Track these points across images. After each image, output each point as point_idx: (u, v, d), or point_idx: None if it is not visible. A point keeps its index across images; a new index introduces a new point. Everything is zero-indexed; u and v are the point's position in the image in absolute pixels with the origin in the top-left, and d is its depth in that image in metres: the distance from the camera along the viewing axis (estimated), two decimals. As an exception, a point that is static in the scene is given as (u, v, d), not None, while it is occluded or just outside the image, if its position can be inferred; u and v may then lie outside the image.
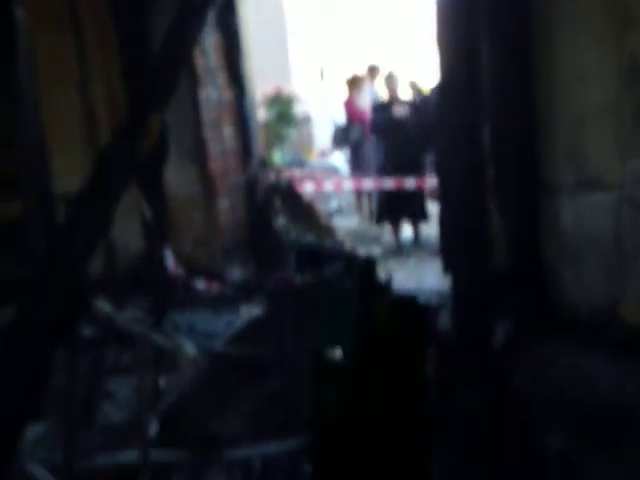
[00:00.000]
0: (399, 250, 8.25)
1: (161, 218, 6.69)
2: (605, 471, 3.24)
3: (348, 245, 6.81)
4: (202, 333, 4.99)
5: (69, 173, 2.28)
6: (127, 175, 2.16)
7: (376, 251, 7.82)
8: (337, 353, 3.07)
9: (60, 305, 1.96)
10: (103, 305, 2.14)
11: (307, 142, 13.03)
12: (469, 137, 4.18)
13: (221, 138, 7.18)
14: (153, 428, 2.96)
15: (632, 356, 4.19)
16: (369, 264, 3.32)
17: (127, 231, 6.85)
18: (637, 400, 3.78)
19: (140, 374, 2.14)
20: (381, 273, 3.78)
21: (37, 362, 1.98)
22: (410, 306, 3.51)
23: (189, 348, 2.24)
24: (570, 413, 3.70)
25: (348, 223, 9.97)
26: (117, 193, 2.12)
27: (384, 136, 8.30)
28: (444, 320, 4.29)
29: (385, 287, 3.38)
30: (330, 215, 9.45)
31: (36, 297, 1.97)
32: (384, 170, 8.19)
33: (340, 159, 11.64)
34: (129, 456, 2.70)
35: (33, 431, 3.59)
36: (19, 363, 1.96)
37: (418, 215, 8.30)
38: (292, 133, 10.88)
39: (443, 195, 4.35)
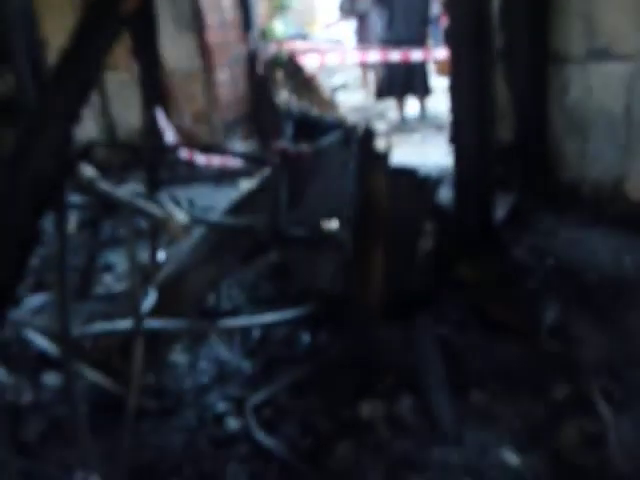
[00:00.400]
0: (404, 125, 8.09)
1: (158, 87, 6.54)
2: (600, 339, 3.28)
3: (350, 120, 6.66)
4: (201, 207, 4.97)
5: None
6: (111, 32, 2.05)
7: (381, 127, 7.67)
8: (335, 224, 3.04)
9: (45, 167, 1.90)
10: (87, 170, 2.09)
11: (310, 14, 12.56)
12: (477, 5, 3.96)
13: (219, 8, 6.89)
14: (150, 299, 2.97)
15: (632, 231, 4.18)
16: (368, 135, 3.22)
17: (127, 106, 6.74)
18: (635, 272, 3.79)
19: (129, 242, 2.10)
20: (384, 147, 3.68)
21: (23, 226, 1.95)
22: (409, 178, 3.45)
23: (180, 216, 2.19)
24: (568, 284, 3.71)
25: (353, 99, 9.74)
26: (101, 50, 2.01)
27: (387, 7, 7.94)
28: (446, 194, 4.23)
29: (384, 158, 3.30)
30: (334, 90, 9.20)
31: (20, 159, 1.91)
32: (387, 43, 7.88)
33: (345, 32, 11.24)
34: (125, 325, 2.73)
35: (33, 301, 3.65)
36: (4, 227, 1.93)
37: (421, 89, 8.07)
38: (294, 2, 10.44)
39: (453, 67, 4.19)
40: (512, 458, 2.65)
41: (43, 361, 3.19)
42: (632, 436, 2.79)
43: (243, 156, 5.61)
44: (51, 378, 3.15)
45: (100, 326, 2.90)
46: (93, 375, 2.94)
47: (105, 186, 2.14)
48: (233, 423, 2.93)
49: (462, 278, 3.62)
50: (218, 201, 4.80)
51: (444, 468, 2.60)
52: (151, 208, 2.30)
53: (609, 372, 3.11)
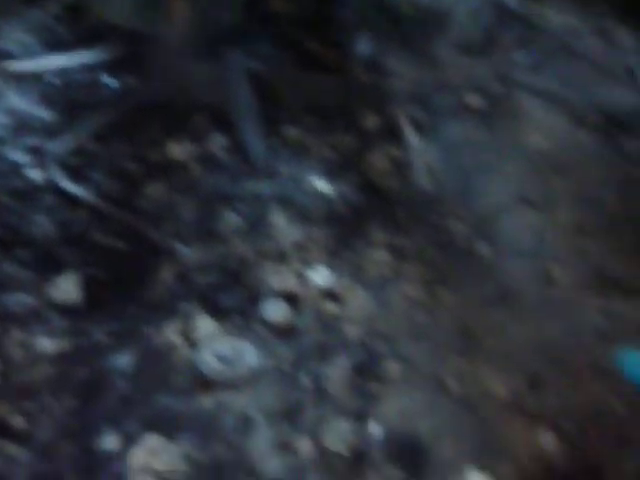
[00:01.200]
0: None
1: None
2: (412, 70, 3.30)
3: None
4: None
5: None
6: None
7: None
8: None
9: None
10: None
11: None
12: None
13: None
14: None
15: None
16: None
17: None
18: (448, 5, 3.77)
19: None
20: None
21: None
22: None
23: None
24: (383, 18, 3.63)
25: None
26: None
27: None
28: None
29: None
30: None
31: None
32: None
33: None
34: None
35: None
36: None
37: None
38: None
39: None
40: (324, 186, 2.70)
41: None
42: (436, 160, 2.92)
43: None
44: None
45: None
46: None
47: None
48: (35, 174, 2.74)
49: (277, 11, 3.42)
50: None
51: (256, 199, 2.61)
52: None
53: (419, 101, 3.17)
